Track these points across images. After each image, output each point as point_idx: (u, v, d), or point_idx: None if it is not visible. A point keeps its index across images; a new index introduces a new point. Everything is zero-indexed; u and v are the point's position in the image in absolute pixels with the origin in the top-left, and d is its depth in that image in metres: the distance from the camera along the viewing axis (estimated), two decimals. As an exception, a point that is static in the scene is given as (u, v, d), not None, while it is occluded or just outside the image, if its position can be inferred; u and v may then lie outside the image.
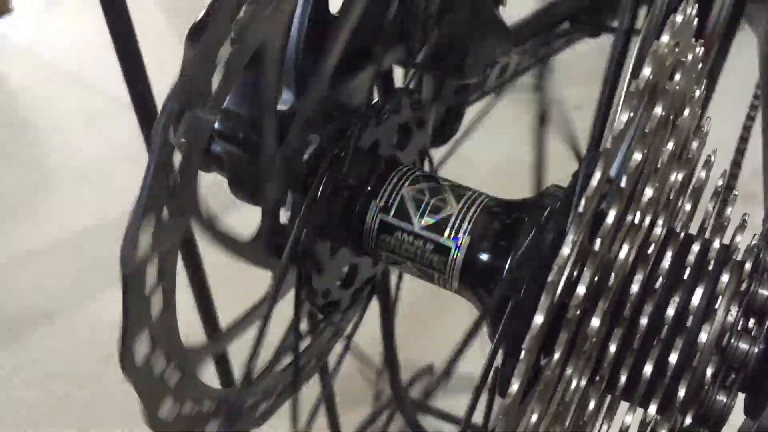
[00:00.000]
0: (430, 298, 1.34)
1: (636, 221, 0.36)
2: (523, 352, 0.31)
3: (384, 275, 0.89)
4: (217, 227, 0.46)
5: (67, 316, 1.45)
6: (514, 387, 0.32)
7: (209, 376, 0.66)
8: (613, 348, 0.36)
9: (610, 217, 0.33)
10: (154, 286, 0.39)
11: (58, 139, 1.85)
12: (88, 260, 1.52)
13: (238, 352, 0.60)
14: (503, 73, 0.79)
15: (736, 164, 0.93)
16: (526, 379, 0.33)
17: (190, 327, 0.84)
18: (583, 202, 0.32)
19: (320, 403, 0.65)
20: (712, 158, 0.42)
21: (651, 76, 0.35)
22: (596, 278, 0.36)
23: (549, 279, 0.32)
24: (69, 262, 1.53)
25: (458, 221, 0.49)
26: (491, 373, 0.41)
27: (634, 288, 0.37)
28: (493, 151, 1.66)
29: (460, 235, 0.49)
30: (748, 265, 0.40)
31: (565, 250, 0.32)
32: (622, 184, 0.33)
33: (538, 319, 0.31)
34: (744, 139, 0.94)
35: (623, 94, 0.39)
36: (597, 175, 0.32)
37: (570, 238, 0.32)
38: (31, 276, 1.52)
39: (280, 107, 0.52)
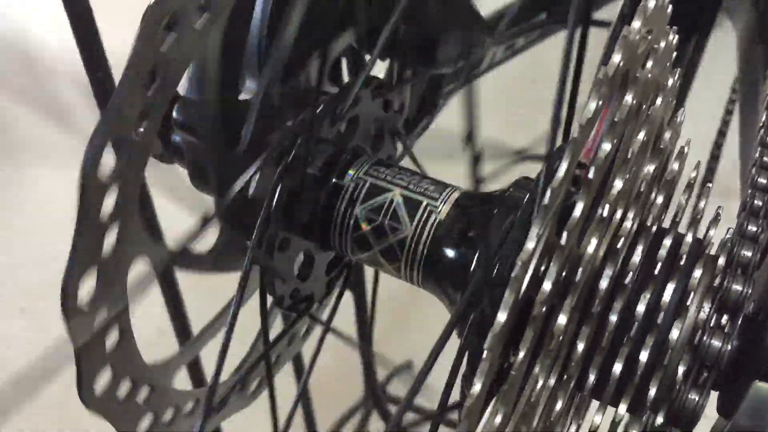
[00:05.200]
0: (407, 293, 1.33)
1: (605, 214, 0.34)
2: (485, 352, 0.30)
3: (358, 271, 0.87)
4: (175, 261, 0.44)
5: (40, 312, 1.42)
6: (476, 387, 0.30)
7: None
8: (581, 346, 0.35)
9: (578, 210, 0.32)
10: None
11: (33, 132, 1.82)
12: (61, 256, 1.48)
13: (211, 350, 0.59)
14: (479, 64, 0.78)
15: (714, 157, 0.92)
16: (489, 380, 0.31)
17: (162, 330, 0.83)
18: (548, 194, 0.30)
19: (298, 403, 0.64)
20: (686, 149, 0.41)
21: (621, 63, 0.33)
22: (564, 273, 0.34)
23: (513, 274, 0.30)
24: (42, 257, 1.50)
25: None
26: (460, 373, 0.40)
27: (603, 284, 0.35)
28: (480, 138, 1.64)
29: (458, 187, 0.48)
30: (721, 260, 0.39)
31: (530, 245, 0.30)
32: (591, 175, 0.32)
33: (501, 316, 0.30)
34: (722, 133, 0.93)
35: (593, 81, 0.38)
36: (563, 166, 0.31)
37: (534, 231, 0.30)
38: (3, 271, 1.49)
39: (244, 96, 0.50)
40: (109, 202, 0.37)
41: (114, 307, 0.38)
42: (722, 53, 1.00)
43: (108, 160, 0.37)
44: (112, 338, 0.40)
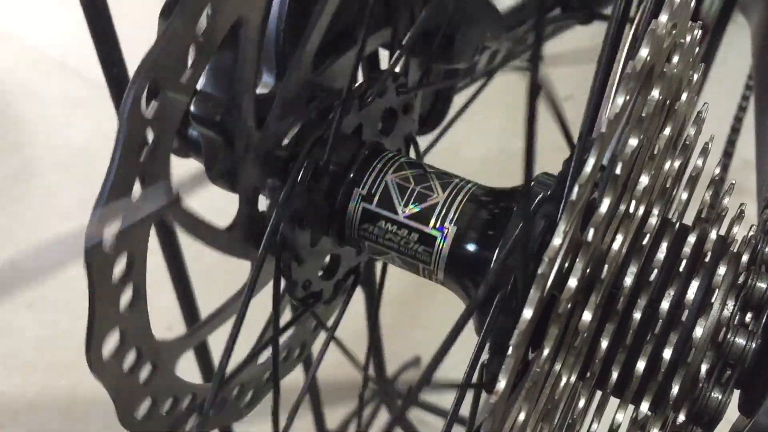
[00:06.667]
0: (416, 289, 1.33)
1: (630, 210, 0.34)
2: (510, 348, 0.29)
3: (368, 266, 0.87)
4: (192, 215, 0.44)
5: (48, 305, 1.43)
6: (501, 384, 0.30)
7: (189, 366, 0.64)
8: (604, 343, 0.35)
9: (604, 206, 0.31)
10: (123, 277, 0.37)
11: (41, 125, 1.82)
12: (69, 251, 1.48)
13: (221, 342, 0.58)
14: (493, 59, 0.77)
15: (727, 155, 0.91)
16: (513, 377, 0.31)
17: (171, 318, 0.82)
18: (576, 189, 0.30)
19: (303, 397, 0.63)
20: (709, 146, 0.40)
21: (648, 58, 0.33)
22: (588, 270, 0.34)
23: (539, 271, 0.30)
24: (50, 250, 1.50)
25: (444, 210, 0.47)
26: (478, 367, 0.40)
27: (628, 281, 0.35)
28: (481, 141, 1.64)
29: (446, 224, 0.46)
30: (745, 258, 0.38)
31: (557, 241, 0.30)
32: (617, 171, 0.32)
33: (527, 313, 0.30)
34: (735, 130, 0.93)
35: (617, 78, 0.38)
36: (591, 161, 0.30)
37: (562, 228, 0.30)
38: (11, 264, 1.50)
39: (261, 90, 0.50)
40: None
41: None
42: (736, 49, 0.99)
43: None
44: (126, 296, 0.39)
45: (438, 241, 0.46)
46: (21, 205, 1.64)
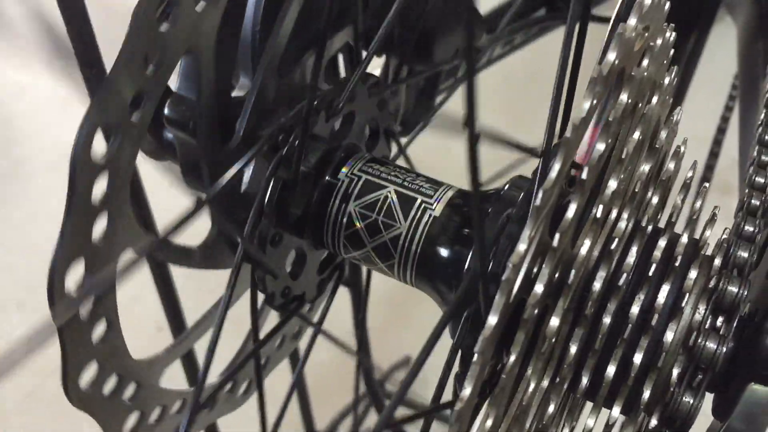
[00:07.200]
0: (406, 291, 1.33)
1: (599, 215, 0.34)
2: (475, 356, 0.29)
3: (355, 267, 0.87)
4: (167, 248, 0.44)
5: (37, 306, 1.42)
6: (467, 391, 0.30)
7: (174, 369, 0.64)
8: (574, 348, 0.35)
9: (571, 211, 0.31)
10: (92, 314, 0.37)
11: (30, 126, 1.81)
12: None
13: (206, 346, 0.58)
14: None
15: (713, 155, 0.91)
16: (480, 383, 0.31)
17: (161, 318, 0.82)
18: (540, 195, 0.30)
19: (289, 398, 0.63)
20: (682, 149, 0.40)
21: (616, 61, 0.33)
22: (557, 275, 0.34)
23: (504, 277, 0.30)
24: (39, 251, 1.50)
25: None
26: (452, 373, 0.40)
27: (597, 285, 0.35)
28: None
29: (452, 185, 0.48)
30: (717, 261, 0.38)
31: (521, 247, 0.30)
32: (584, 176, 0.31)
33: (492, 319, 0.29)
34: (721, 130, 0.93)
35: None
36: (556, 167, 0.30)
37: (526, 233, 0.30)
38: (1, 265, 1.49)
39: (237, 93, 0.50)
40: (100, 187, 0.36)
41: (102, 295, 0.38)
42: (722, 49, 0.99)
43: (100, 146, 0.36)
44: (98, 330, 0.39)
45: (444, 187, 0.48)
46: (10, 206, 1.64)
